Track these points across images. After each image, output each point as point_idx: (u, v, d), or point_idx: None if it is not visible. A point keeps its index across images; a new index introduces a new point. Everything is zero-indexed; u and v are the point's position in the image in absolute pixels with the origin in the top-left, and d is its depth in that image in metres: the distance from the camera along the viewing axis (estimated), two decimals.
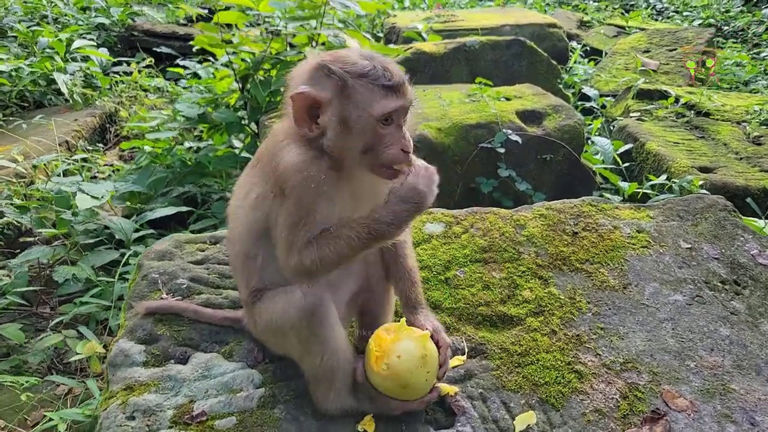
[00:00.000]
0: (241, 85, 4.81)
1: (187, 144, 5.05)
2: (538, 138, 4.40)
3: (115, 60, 7.42)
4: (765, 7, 10.96)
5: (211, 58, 6.66)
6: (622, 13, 11.72)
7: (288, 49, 4.87)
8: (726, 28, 10.63)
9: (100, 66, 6.82)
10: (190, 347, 2.11)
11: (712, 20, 10.94)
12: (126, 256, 3.58)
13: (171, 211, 3.98)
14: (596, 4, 12.65)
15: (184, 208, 4.11)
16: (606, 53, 8.43)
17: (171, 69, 6.39)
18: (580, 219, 2.67)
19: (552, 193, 4.37)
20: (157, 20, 8.90)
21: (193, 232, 4.08)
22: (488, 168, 4.38)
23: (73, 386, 3.00)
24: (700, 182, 3.95)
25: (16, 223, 4.06)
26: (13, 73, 6.07)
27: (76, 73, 6.45)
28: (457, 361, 2.06)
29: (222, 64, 5.13)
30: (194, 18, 5.39)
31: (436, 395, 1.88)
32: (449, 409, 1.93)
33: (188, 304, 2.20)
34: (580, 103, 6.64)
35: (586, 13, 11.41)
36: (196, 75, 6.55)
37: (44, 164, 4.57)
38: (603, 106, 6.58)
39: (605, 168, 4.66)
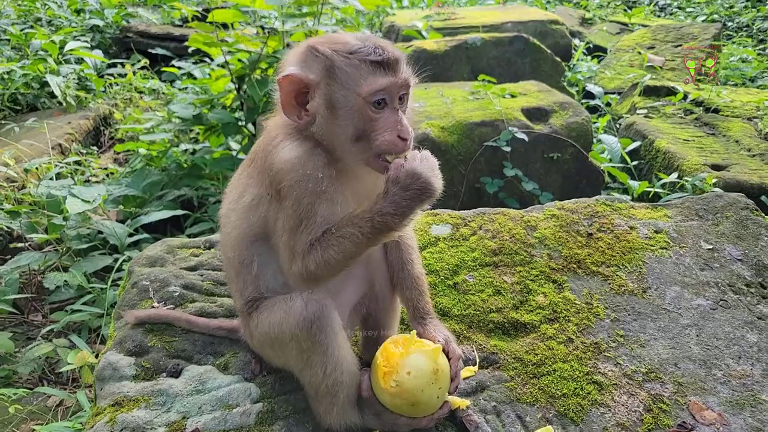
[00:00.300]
0: (237, 86, 4.69)
1: (182, 146, 4.93)
2: (544, 136, 4.28)
3: (110, 62, 7.31)
4: None
5: (207, 59, 6.55)
6: (625, 10, 11.59)
7: (285, 47, 4.74)
8: (730, 23, 10.51)
9: (95, 68, 6.70)
10: (182, 359, 1.98)
11: (716, 16, 10.82)
12: (119, 262, 3.46)
13: (166, 214, 3.86)
14: (598, 0, 12.53)
15: (180, 212, 3.99)
16: (610, 50, 8.30)
17: (165, 69, 6.27)
18: (595, 219, 2.53)
19: (559, 193, 4.25)
20: (152, 21, 8.79)
21: (189, 236, 3.96)
22: (493, 167, 4.26)
23: (63, 398, 2.88)
24: (714, 180, 3.81)
25: (6, 228, 3.94)
26: (5, 76, 5.95)
27: (70, 75, 6.33)
28: (468, 372, 1.93)
29: (218, 65, 5.01)
30: (189, 18, 5.26)
31: (446, 411, 1.74)
32: (461, 424, 1.80)
33: (181, 313, 2.07)
34: (584, 101, 6.51)
35: (588, 10, 11.29)
36: (191, 76, 6.43)
37: (36, 168, 4.44)
38: (608, 104, 6.45)
39: (613, 166, 4.53)
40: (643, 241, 2.43)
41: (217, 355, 1.99)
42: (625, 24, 9.93)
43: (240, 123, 4.64)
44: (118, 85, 6.86)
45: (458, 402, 1.80)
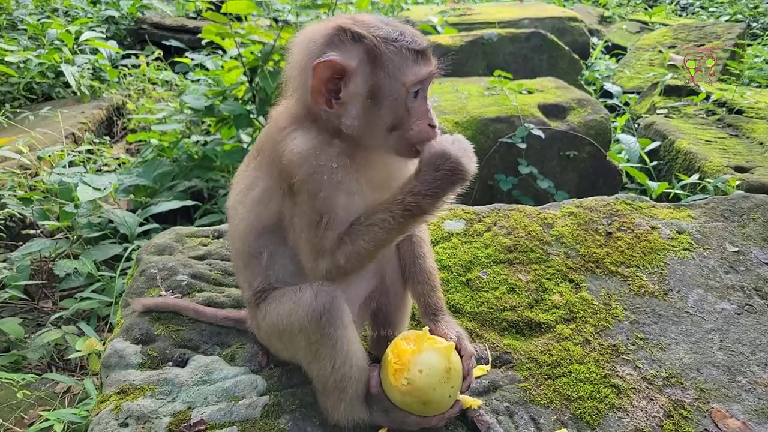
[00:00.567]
0: (249, 77, 4.65)
1: (194, 137, 4.90)
2: (561, 133, 4.20)
3: (124, 53, 7.32)
4: None
5: (219, 51, 6.53)
6: (646, 9, 11.41)
7: None
8: (755, 24, 10.31)
9: (109, 59, 6.70)
10: (189, 349, 1.94)
11: (740, 16, 10.62)
12: (128, 251, 3.44)
13: (176, 205, 3.84)
14: None
15: (190, 203, 3.97)
16: (629, 49, 8.17)
17: (178, 60, 6.26)
18: (614, 218, 2.46)
19: (575, 193, 4.17)
20: (167, 13, 8.79)
21: (199, 227, 3.93)
22: (508, 164, 4.18)
23: (71, 384, 2.86)
24: (737, 182, 3.71)
25: (18, 215, 3.94)
26: (22, 65, 5.96)
27: (84, 65, 6.33)
28: (480, 371, 1.87)
29: (231, 57, 4.98)
30: (203, 10, 5.25)
31: (458, 410, 1.68)
32: (472, 424, 1.74)
33: (188, 303, 2.04)
34: (601, 99, 6.40)
35: (607, 9, 11.13)
36: (204, 67, 6.42)
37: (49, 156, 4.44)
38: (626, 103, 6.34)
39: (632, 166, 4.43)
40: (664, 242, 2.35)
41: (223, 346, 1.95)
42: (645, 23, 9.78)
43: (252, 115, 4.60)
44: (131, 75, 6.86)
45: (470, 401, 1.74)
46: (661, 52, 7.39)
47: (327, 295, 1.56)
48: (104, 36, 7.28)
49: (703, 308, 2.11)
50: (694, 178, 3.98)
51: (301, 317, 1.57)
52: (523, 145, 4.06)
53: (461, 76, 5.70)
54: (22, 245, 3.62)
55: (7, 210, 3.73)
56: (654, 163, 4.56)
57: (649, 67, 7.09)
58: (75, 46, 6.42)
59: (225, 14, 4.40)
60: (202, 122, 5.30)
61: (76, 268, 3.36)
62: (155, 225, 3.85)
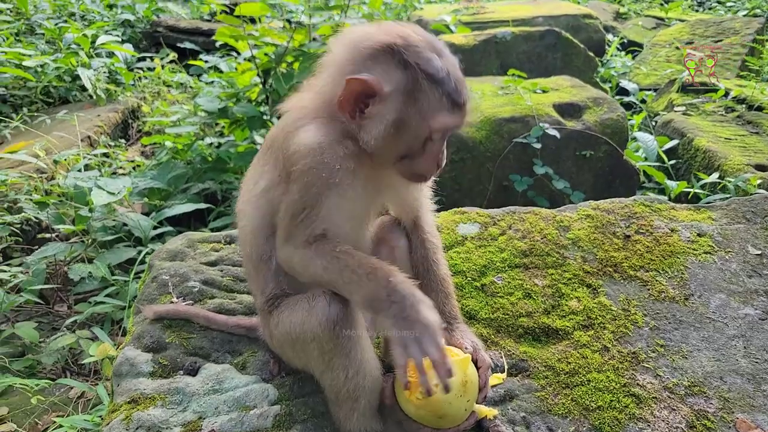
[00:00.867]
0: (263, 79, 4.64)
1: (208, 139, 4.91)
2: (577, 133, 4.13)
3: (140, 56, 7.36)
4: None
5: (233, 53, 6.54)
6: (662, 4, 11.24)
7: (311, 41, 4.68)
8: None
9: (125, 62, 6.75)
10: (200, 357, 1.92)
11: (758, 11, 10.41)
12: (142, 254, 3.44)
13: (189, 207, 3.84)
14: None
15: (203, 205, 3.97)
16: (645, 45, 8.04)
17: (192, 62, 6.28)
18: (632, 220, 2.40)
19: (591, 193, 4.10)
20: (181, 16, 8.84)
21: (212, 230, 3.94)
22: (523, 165, 4.13)
23: (85, 390, 2.87)
24: (758, 181, 3.62)
25: (34, 219, 3.96)
26: (39, 69, 6.02)
27: (101, 68, 6.38)
28: (495, 379, 1.83)
29: (245, 59, 4.98)
30: (217, 12, 5.26)
31: (473, 421, 1.65)
32: None
33: (199, 310, 2.02)
34: (617, 97, 6.30)
35: (623, 5, 10.97)
36: (218, 70, 6.44)
37: (65, 160, 4.47)
38: (643, 101, 6.23)
39: (649, 165, 4.35)
40: (685, 245, 2.29)
41: (235, 354, 1.93)
42: (662, 19, 9.62)
43: (265, 117, 4.60)
44: (146, 78, 6.90)
45: (485, 411, 1.70)
46: (678, 48, 7.26)
47: (340, 304, 1.53)
48: (120, 39, 7.34)
49: (725, 314, 2.05)
50: (714, 177, 3.90)
51: (314, 326, 1.54)
52: (538, 145, 4.00)
53: (475, 76, 5.65)
54: (37, 249, 3.65)
55: (23, 214, 3.76)
56: (672, 161, 4.47)
57: (666, 63, 6.97)
58: (91, 50, 6.47)
59: (238, 16, 4.39)
60: (216, 124, 5.31)
61: (90, 272, 3.37)
62: (169, 228, 3.85)
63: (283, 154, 1.55)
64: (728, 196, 3.61)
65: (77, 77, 6.23)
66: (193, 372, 1.87)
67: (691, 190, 3.93)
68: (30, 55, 5.90)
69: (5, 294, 3.30)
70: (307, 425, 1.71)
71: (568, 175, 4.17)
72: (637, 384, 1.83)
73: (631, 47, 8.35)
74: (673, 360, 1.91)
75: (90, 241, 3.70)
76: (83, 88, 6.28)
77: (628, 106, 6.17)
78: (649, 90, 6.39)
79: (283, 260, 1.61)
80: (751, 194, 2.86)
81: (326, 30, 4.65)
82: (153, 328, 1.99)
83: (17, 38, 6.82)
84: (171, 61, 7.35)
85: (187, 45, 7.73)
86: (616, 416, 1.75)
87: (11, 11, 7.32)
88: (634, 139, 4.79)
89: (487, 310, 2.08)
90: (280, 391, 1.80)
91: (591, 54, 6.58)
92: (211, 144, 4.87)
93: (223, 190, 4.39)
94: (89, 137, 5.18)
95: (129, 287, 3.26)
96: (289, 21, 5.39)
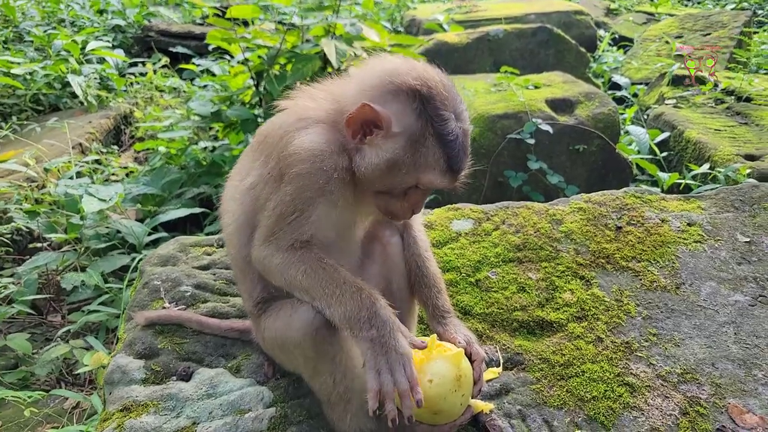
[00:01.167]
0: (255, 82, 4.64)
1: (202, 144, 4.89)
2: (569, 128, 4.14)
3: (131, 61, 7.33)
4: None
5: (227, 57, 6.52)
6: (651, 0, 11.26)
7: (303, 42, 4.68)
8: (761, 11, 10.13)
9: (116, 67, 6.72)
10: (193, 362, 1.91)
11: (745, 4, 10.44)
12: (136, 261, 3.42)
13: (184, 212, 3.82)
14: None
15: (198, 210, 3.95)
16: (636, 40, 8.07)
17: (184, 66, 6.25)
18: (624, 212, 2.41)
19: (585, 187, 4.11)
20: (173, 20, 8.81)
21: (208, 234, 3.92)
22: (517, 161, 4.13)
23: (79, 400, 2.84)
24: (747, 171, 3.63)
25: (25, 228, 3.94)
26: (28, 77, 5.98)
27: (91, 75, 6.34)
28: (491, 374, 1.82)
29: (238, 62, 4.97)
30: (210, 15, 5.24)
31: (469, 416, 1.64)
32: (484, 429, 1.71)
33: (191, 314, 2.01)
34: (610, 92, 6.31)
35: (613, 1, 11.00)
36: (211, 73, 6.42)
37: (56, 168, 4.44)
38: (635, 95, 6.25)
39: (642, 158, 4.36)
40: (675, 235, 2.30)
41: (228, 358, 1.93)
42: (652, 14, 9.65)
43: (259, 120, 4.59)
44: (138, 84, 6.87)
45: (481, 406, 1.69)
46: (668, 42, 7.28)
47: None
48: (111, 45, 7.30)
49: (716, 301, 2.06)
50: (705, 167, 3.91)
51: (296, 333, 1.54)
52: (532, 141, 4.01)
53: (468, 74, 5.66)
54: (29, 259, 3.62)
55: (13, 224, 3.73)
56: (664, 154, 4.48)
57: (656, 57, 6.99)
58: (81, 56, 6.44)
59: (230, 19, 4.38)
60: (210, 128, 5.29)
61: (83, 281, 3.34)
62: (164, 234, 3.83)
63: (279, 153, 1.53)
64: (719, 185, 3.61)
65: (67, 84, 6.19)
66: (186, 377, 1.86)
67: (683, 181, 3.94)
68: (19, 63, 5.87)
69: None
70: (303, 427, 1.70)
71: (562, 169, 4.18)
72: (631, 373, 1.83)
73: (622, 42, 8.38)
74: (666, 348, 1.91)
75: (83, 249, 3.67)
76: (74, 95, 6.24)
77: (620, 100, 6.19)
78: (641, 84, 6.41)
79: (258, 259, 1.58)
80: (740, 183, 2.86)
81: (319, 31, 4.65)
82: (145, 334, 1.98)
83: (5, 46, 6.78)
84: (163, 66, 7.33)
85: (180, 49, 7.70)
86: (611, 405, 1.75)
87: None
88: (627, 132, 4.80)
89: (482, 305, 2.08)
90: (275, 393, 1.80)
91: (583, 50, 6.60)
92: (206, 148, 4.86)
93: (218, 194, 4.36)
94: (80, 144, 5.16)
95: (123, 295, 3.24)
96: (281, 23, 5.38)
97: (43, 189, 4.27)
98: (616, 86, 6.38)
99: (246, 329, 1.93)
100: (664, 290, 2.11)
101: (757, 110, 4.77)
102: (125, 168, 5.15)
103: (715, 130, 4.45)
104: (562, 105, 4.34)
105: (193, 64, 6.42)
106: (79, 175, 4.50)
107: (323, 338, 1.51)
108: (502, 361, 1.89)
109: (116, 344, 3.07)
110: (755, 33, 8.20)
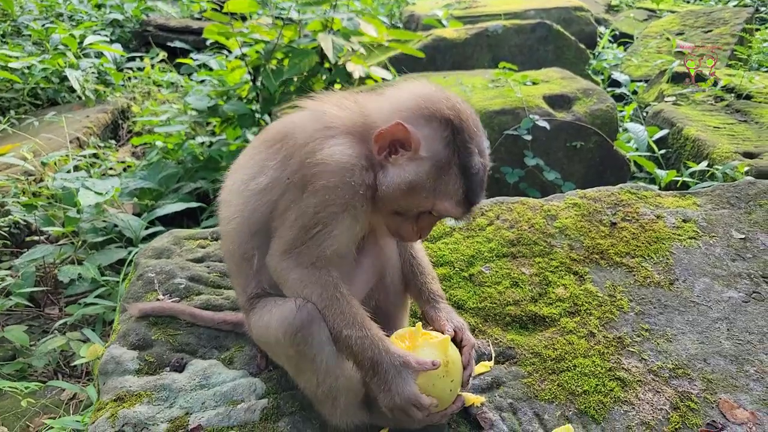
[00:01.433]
0: (252, 76, 4.63)
1: (199, 138, 4.89)
2: (567, 124, 4.13)
3: (129, 56, 7.32)
4: None
5: (224, 51, 6.51)
6: None
7: (301, 37, 4.68)
8: (763, 8, 10.11)
9: (114, 62, 6.71)
10: (186, 353, 1.92)
11: (747, 0, 10.42)
12: (132, 254, 3.43)
13: (180, 207, 3.83)
14: None
15: (194, 204, 3.96)
16: (637, 37, 8.05)
17: (181, 61, 6.25)
18: (619, 208, 2.41)
19: (582, 183, 4.09)
20: (171, 15, 8.79)
21: (204, 228, 3.92)
22: (514, 157, 4.13)
23: (76, 391, 2.86)
24: (745, 168, 3.63)
25: (23, 222, 3.95)
26: (26, 71, 5.98)
27: (89, 69, 6.34)
28: (483, 367, 1.84)
29: (235, 57, 4.97)
30: (208, 9, 5.24)
31: (459, 405, 1.64)
32: (475, 421, 1.72)
33: (185, 306, 2.01)
34: (609, 89, 6.30)
35: None
36: (209, 68, 6.41)
37: (54, 161, 4.45)
38: (634, 92, 6.24)
39: (639, 155, 4.36)
40: (670, 231, 2.30)
41: (222, 349, 1.93)
42: (653, 10, 9.62)
43: (256, 114, 4.59)
44: (136, 78, 6.86)
45: (472, 398, 1.71)
46: (668, 39, 7.26)
47: (307, 311, 1.51)
48: (109, 39, 7.30)
49: (709, 297, 2.06)
50: (703, 165, 3.91)
51: (276, 331, 1.54)
52: (529, 137, 4.00)
53: (466, 69, 5.65)
54: (26, 252, 3.64)
55: (10, 217, 3.74)
56: (662, 151, 4.48)
57: (656, 54, 6.98)
58: (79, 50, 6.43)
59: (227, 14, 4.38)
60: (207, 123, 5.29)
61: (80, 274, 3.36)
62: (161, 228, 3.83)
63: (302, 159, 1.50)
64: (715, 184, 3.61)
65: (65, 78, 6.19)
66: (179, 368, 1.87)
67: (681, 178, 3.94)
68: (17, 57, 5.87)
69: None
70: (295, 417, 1.71)
71: (559, 166, 4.17)
72: (623, 368, 1.84)
73: (622, 39, 8.35)
74: (658, 344, 1.91)
75: (80, 242, 3.68)
76: (71, 90, 6.24)
77: (620, 97, 6.18)
78: (641, 81, 6.40)
79: (275, 270, 1.58)
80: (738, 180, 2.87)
81: (316, 26, 4.64)
82: (139, 325, 1.99)
83: (3, 40, 6.78)
84: (161, 61, 7.32)
85: (178, 44, 7.69)
86: (602, 400, 1.75)
87: None
88: (626, 129, 4.79)
89: (475, 300, 2.09)
90: (267, 384, 1.80)
91: (582, 46, 6.58)
92: (203, 143, 4.86)
93: (215, 189, 4.38)
94: (78, 139, 5.16)
95: (120, 288, 3.25)
96: (278, 17, 5.38)
97: (40, 183, 4.28)
98: (616, 83, 6.37)
99: (239, 322, 1.93)
100: (658, 286, 2.11)
101: (756, 108, 4.77)
102: (122, 162, 5.16)
103: (714, 127, 4.45)
104: (559, 101, 4.34)
105: (191, 58, 6.42)
106: (76, 168, 4.50)
107: (303, 339, 1.50)
108: (493, 355, 1.89)
109: (111, 336, 3.10)
110: (757, 30, 8.19)
